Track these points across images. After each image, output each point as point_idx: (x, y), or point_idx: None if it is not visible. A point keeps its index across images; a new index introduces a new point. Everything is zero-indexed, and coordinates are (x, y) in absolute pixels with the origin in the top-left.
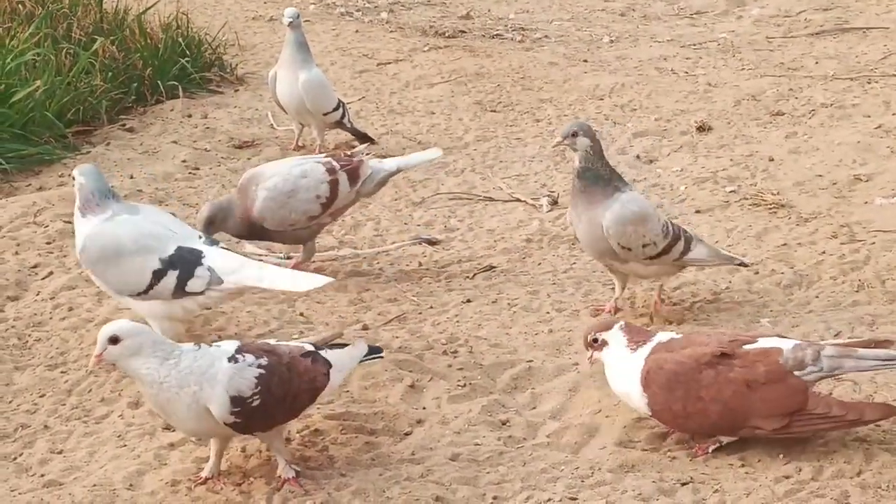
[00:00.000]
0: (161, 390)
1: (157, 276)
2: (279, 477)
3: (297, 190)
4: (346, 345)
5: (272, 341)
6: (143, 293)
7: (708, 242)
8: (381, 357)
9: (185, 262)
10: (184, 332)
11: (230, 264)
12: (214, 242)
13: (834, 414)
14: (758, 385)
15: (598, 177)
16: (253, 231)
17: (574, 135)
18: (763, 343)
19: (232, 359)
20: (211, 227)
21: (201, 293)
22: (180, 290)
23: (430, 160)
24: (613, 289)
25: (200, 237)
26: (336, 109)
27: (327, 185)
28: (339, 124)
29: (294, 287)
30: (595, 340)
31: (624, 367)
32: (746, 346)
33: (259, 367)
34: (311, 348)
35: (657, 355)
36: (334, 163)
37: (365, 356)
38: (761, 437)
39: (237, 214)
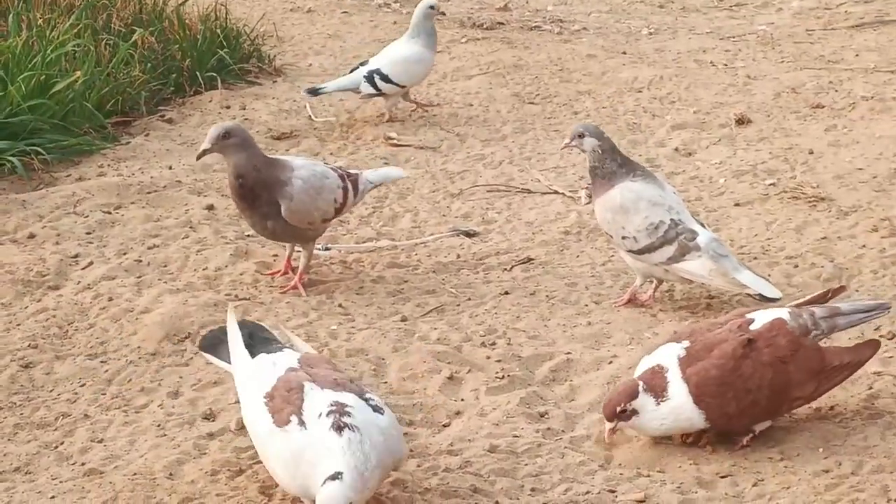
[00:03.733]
0: None
1: None
2: None
3: (324, 188)
4: None
5: None
6: None
7: (743, 268)
8: None
9: None
10: None
11: None
12: None
13: (846, 362)
14: (788, 357)
15: (611, 172)
16: (268, 214)
17: (581, 136)
18: (762, 317)
19: None
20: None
21: None
22: None
23: (398, 178)
24: (651, 282)
25: None
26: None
27: (342, 191)
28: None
29: None
30: (624, 411)
31: (666, 410)
32: (752, 326)
33: None
34: None
35: (691, 370)
36: (342, 172)
37: None
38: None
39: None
